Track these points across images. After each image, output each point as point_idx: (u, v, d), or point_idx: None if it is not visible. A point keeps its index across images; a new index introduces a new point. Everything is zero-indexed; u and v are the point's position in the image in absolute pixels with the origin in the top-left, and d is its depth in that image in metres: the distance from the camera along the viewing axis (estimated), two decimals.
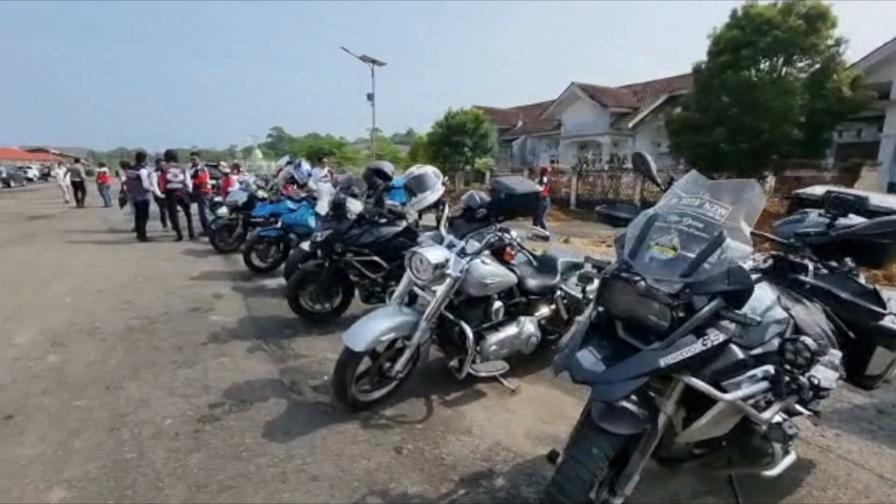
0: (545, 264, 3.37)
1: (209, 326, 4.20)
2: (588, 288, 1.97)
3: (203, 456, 2.33)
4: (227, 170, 12.64)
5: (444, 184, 3.43)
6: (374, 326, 2.56)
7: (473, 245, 2.84)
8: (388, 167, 4.32)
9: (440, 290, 2.68)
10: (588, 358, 1.51)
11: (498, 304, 3.00)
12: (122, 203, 12.21)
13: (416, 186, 3.29)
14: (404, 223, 4.14)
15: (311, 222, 5.81)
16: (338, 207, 4.04)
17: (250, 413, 2.74)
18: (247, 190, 7.84)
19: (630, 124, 20.65)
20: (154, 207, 9.26)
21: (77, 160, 18.63)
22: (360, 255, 4.01)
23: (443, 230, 2.98)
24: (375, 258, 4.04)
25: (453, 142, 21.82)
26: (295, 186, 6.86)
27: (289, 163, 12.06)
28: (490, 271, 2.85)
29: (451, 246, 2.85)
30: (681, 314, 1.41)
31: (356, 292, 4.26)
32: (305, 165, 7.15)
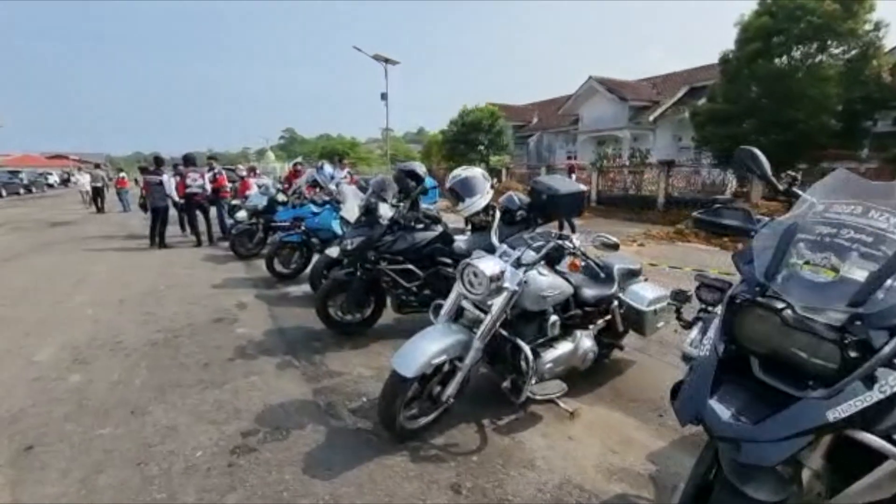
0: (602, 272, 3.08)
1: (235, 340, 3.98)
2: (684, 309, 1.68)
3: (240, 497, 2.09)
4: (244, 173, 12.48)
5: (492, 187, 3.13)
6: (425, 348, 2.29)
7: (529, 255, 2.54)
8: (420, 168, 4.04)
9: (496, 305, 2.39)
10: (723, 408, 1.21)
11: (554, 317, 2.70)
12: (144, 208, 12.17)
13: (462, 190, 3.00)
14: (440, 228, 3.87)
15: (336, 227, 5.59)
16: (369, 212, 3.78)
17: (287, 443, 2.49)
18: (266, 194, 7.65)
19: (651, 118, 20.08)
20: (172, 212, 9.13)
21: (97, 166, 18.68)
22: (393, 263, 3.76)
23: (494, 238, 2.69)
24: (410, 266, 3.78)
25: (468, 140, 21.51)
26: (317, 189, 6.64)
27: (296, 164, 11.88)
28: (548, 283, 2.56)
29: (503, 255, 2.56)
30: (853, 353, 1.11)
31: (388, 301, 4.01)
32: (328, 168, 6.93)
